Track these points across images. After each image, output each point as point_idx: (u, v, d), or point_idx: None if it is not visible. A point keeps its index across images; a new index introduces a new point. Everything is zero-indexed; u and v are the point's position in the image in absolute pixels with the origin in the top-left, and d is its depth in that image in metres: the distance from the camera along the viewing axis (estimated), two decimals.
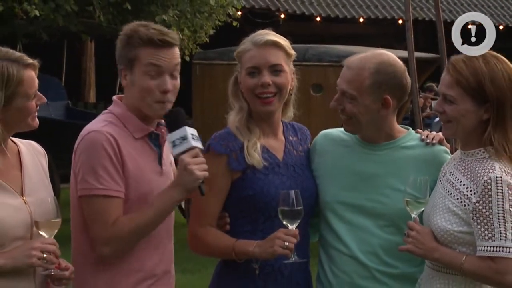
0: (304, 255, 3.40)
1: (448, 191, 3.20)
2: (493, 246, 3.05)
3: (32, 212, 3.08)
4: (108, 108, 3.37)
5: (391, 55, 3.43)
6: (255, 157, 3.34)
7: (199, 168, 3.13)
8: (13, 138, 3.20)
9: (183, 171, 3.15)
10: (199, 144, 3.18)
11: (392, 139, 3.43)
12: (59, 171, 7.74)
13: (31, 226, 3.08)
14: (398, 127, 3.48)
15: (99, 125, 3.25)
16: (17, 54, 3.12)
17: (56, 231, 3.08)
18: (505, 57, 3.24)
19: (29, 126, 3.14)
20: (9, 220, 3.02)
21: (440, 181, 3.27)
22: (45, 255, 2.99)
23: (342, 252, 3.39)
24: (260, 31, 3.44)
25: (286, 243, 3.18)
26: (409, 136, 3.46)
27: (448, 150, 3.46)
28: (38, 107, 3.15)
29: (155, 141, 3.34)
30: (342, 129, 3.49)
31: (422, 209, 3.21)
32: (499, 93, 3.13)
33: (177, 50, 3.31)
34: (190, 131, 3.18)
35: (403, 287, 3.36)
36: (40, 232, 3.05)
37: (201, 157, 3.16)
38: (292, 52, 3.42)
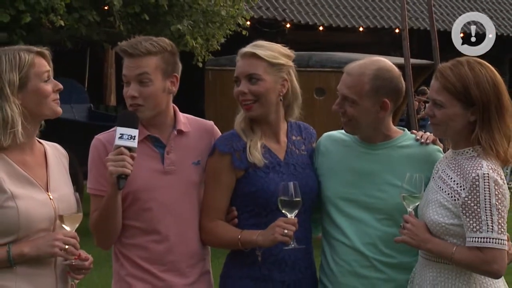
0: (306, 244, 3.41)
1: (440, 187, 3.20)
2: (481, 238, 3.06)
3: (56, 207, 3.09)
4: None
5: (388, 62, 3.42)
6: (256, 156, 3.35)
7: (115, 165, 3.14)
8: (40, 140, 3.21)
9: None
10: (126, 143, 3.17)
11: (389, 139, 3.43)
12: (82, 168, 7.81)
13: (54, 220, 3.08)
14: (394, 128, 3.48)
15: (107, 131, 3.41)
16: (27, 46, 3.15)
17: (77, 224, 3.09)
18: (489, 63, 3.24)
19: (52, 110, 3.12)
20: (36, 213, 3.02)
21: (433, 178, 3.28)
22: (66, 247, 2.99)
23: (344, 243, 3.39)
24: (255, 41, 3.43)
25: (286, 231, 3.19)
26: (405, 136, 3.46)
27: (441, 149, 3.46)
28: (57, 94, 3.13)
29: (157, 143, 3.38)
30: (343, 130, 3.50)
31: (417, 204, 3.21)
32: (484, 96, 3.13)
33: (144, 60, 3.29)
34: (121, 131, 3.18)
35: (400, 275, 3.36)
36: (63, 225, 3.06)
37: (124, 155, 3.15)
38: (279, 61, 3.36)
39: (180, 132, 3.41)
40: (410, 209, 3.20)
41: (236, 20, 11.90)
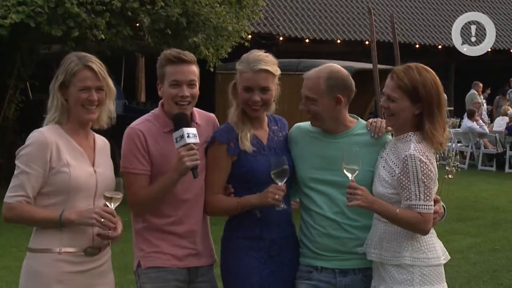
0: (288, 207, 3.44)
1: (383, 166, 3.26)
2: (411, 204, 3.14)
3: (98, 179, 3.11)
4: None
5: (337, 66, 3.44)
6: (246, 144, 3.37)
7: (190, 159, 3.16)
8: (93, 132, 3.27)
9: (178, 161, 3.18)
10: (193, 140, 3.18)
11: (347, 129, 3.42)
12: (119, 150, 7.88)
13: (95, 189, 3.11)
14: (350, 118, 3.46)
15: (137, 122, 3.37)
16: (86, 55, 3.17)
17: (118, 203, 3.07)
18: (438, 69, 3.27)
19: (81, 115, 3.13)
20: (83, 180, 3.07)
21: (381, 157, 3.31)
22: (102, 220, 2.99)
23: (318, 213, 3.39)
24: (256, 53, 3.42)
25: (277, 196, 3.22)
26: (360, 125, 3.46)
27: (388, 132, 3.44)
28: (92, 103, 3.12)
29: None
30: (310, 123, 3.48)
31: (356, 173, 3.15)
32: (428, 95, 3.20)
33: (192, 67, 3.34)
34: (187, 131, 3.17)
35: (364, 234, 3.35)
36: (106, 202, 3.06)
37: (194, 150, 3.17)
38: (278, 72, 3.42)
39: (197, 124, 3.42)
40: (352, 177, 3.14)
41: (240, 34, 11.88)
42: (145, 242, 3.37)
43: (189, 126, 3.22)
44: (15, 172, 3.02)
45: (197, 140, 3.20)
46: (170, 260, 3.34)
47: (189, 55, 3.35)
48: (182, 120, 3.23)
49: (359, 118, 3.50)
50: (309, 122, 3.49)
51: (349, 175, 3.15)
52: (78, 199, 3.05)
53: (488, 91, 20.66)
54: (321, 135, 3.43)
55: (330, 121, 3.38)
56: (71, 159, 3.06)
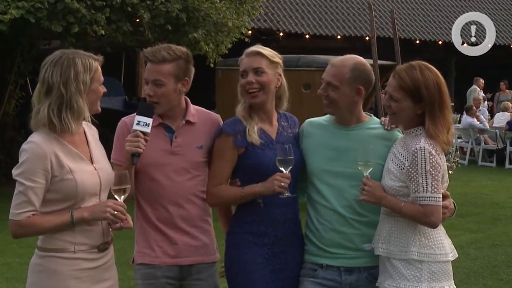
0: (294, 202, 3.44)
1: (392, 159, 3.26)
2: (418, 196, 3.14)
3: (100, 176, 3.10)
4: None
5: (362, 59, 3.45)
6: (253, 137, 3.36)
7: (130, 145, 3.18)
8: None
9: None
10: (141, 128, 3.20)
11: (360, 122, 3.43)
12: None
13: (100, 187, 3.10)
14: (364, 113, 3.47)
15: (128, 116, 3.41)
16: (87, 52, 3.14)
17: (126, 195, 3.08)
18: (438, 65, 3.26)
19: (96, 109, 3.14)
20: (88, 183, 3.05)
21: (391, 151, 3.31)
22: (115, 213, 3.01)
23: (325, 207, 3.38)
24: (255, 45, 3.46)
25: (282, 183, 3.21)
26: (372, 121, 3.47)
27: (399, 129, 3.45)
28: (101, 95, 3.15)
29: (168, 129, 3.39)
30: (322, 117, 3.49)
31: (370, 169, 3.21)
32: (430, 95, 3.19)
33: (160, 66, 3.32)
34: (138, 118, 3.21)
35: (370, 230, 3.36)
36: (115, 195, 3.07)
37: (138, 138, 3.18)
38: (276, 60, 3.41)
39: (188, 122, 3.42)
40: (366, 174, 3.21)
41: (240, 30, 11.87)
42: (140, 237, 3.42)
43: (148, 116, 3.22)
44: (18, 189, 2.96)
45: (147, 130, 3.20)
46: (160, 258, 3.37)
47: (162, 54, 3.33)
48: (143, 109, 3.25)
49: (372, 115, 3.51)
50: (320, 118, 3.50)
51: (363, 171, 3.18)
52: (86, 201, 3.05)
53: (489, 95, 20.54)
54: (334, 126, 3.44)
55: (345, 110, 3.38)
56: (72, 164, 3.03)
